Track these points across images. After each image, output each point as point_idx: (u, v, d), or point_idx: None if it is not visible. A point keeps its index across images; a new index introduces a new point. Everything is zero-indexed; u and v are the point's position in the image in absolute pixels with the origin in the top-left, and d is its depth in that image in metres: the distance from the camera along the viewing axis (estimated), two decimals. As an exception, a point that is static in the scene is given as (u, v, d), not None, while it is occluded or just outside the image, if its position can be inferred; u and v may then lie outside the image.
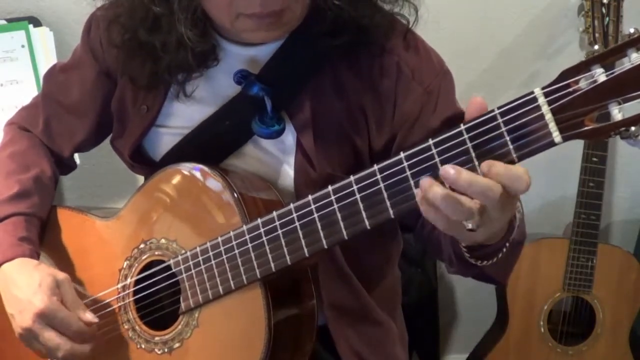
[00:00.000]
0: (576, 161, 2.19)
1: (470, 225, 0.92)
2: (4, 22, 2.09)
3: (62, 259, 1.38)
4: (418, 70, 1.22)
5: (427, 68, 1.24)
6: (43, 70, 1.95)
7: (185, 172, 1.25)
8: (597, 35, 2.04)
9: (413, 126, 1.21)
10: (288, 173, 1.24)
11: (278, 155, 1.25)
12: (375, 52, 1.22)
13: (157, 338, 1.25)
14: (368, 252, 1.32)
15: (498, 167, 0.89)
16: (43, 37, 2.09)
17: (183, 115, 1.29)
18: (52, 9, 2.17)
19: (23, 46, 2.07)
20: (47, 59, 2.07)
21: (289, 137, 1.23)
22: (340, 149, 1.22)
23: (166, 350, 1.24)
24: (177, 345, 1.22)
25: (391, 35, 1.22)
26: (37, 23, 2.10)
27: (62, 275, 1.26)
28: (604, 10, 2.02)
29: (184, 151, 1.28)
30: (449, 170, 0.89)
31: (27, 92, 2.00)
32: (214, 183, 1.20)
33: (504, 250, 1.05)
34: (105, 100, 1.38)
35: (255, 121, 1.21)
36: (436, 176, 0.92)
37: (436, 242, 1.19)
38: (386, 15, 1.21)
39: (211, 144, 1.27)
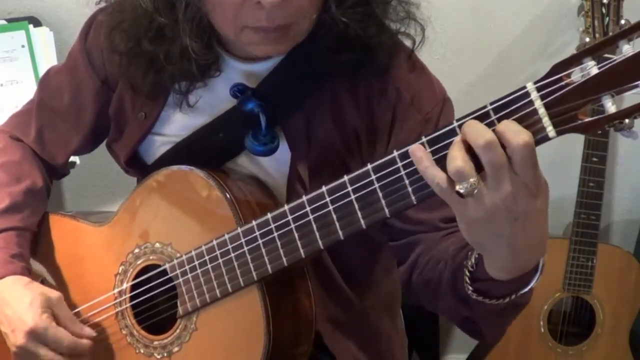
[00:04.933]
0: (576, 161, 2.19)
1: (461, 189, 0.84)
2: (4, 22, 2.08)
3: (56, 267, 1.38)
4: (418, 97, 1.20)
5: (427, 95, 1.21)
6: (43, 70, 1.95)
7: (178, 174, 1.24)
8: (597, 35, 2.03)
9: None
10: (280, 192, 1.24)
11: (272, 172, 1.25)
12: (376, 73, 1.19)
13: (156, 342, 1.25)
14: (363, 264, 1.31)
15: (507, 122, 0.85)
16: (43, 37, 2.09)
17: (180, 124, 1.29)
18: (52, 9, 2.16)
19: (23, 46, 2.07)
20: (47, 59, 2.07)
21: (284, 155, 1.22)
22: (333, 171, 1.19)
23: (165, 354, 1.24)
24: (176, 349, 1.22)
25: (394, 58, 1.20)
26: (37, 23, 2.10)
27: (54, 294, 1.26)
28: (604, 10, 2.01)
29: (177, 158, 1.27)
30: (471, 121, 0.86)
31: (27, 92, 1.99)
32: (207, 185, 1.19)
33: (507, 299, 0.99)
34: (101, 108, 1.36)
35: (248, 137, 1.20)
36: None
37: (437, 275, 1.11)
38: (392, 36, 1.19)
39: (204, 154, 1.26)
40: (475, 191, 0.84)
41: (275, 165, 1.24)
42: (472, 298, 1.01)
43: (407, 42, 1.22)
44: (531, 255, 0.94)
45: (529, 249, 0.92)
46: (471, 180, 0.84)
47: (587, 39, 1.99)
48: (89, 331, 1.26)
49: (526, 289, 0.99)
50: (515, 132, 0.83)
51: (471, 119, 0.88)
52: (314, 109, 1.21)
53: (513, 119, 0.86)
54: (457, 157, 0.84)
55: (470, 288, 1.01)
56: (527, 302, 1.04)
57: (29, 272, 1.31)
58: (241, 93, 1.20)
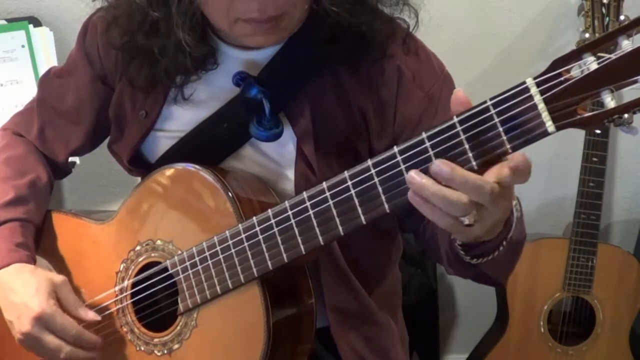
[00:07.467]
0: (576, 161, 2.19)
1: (467, 221, 0.91)
2: (4, 22, 2.09)
3: (58, 264, 1.37)
4: (418, 75, 1.23)
5: (427, 72, 1.24)
6: (43, 70, 1.95)
7: (180, 172, 1.24)
8: (597, 35, 2.03)
9: (414, 130, 1.20)
10: (288, 177, 1.24)
11: (278, 160, 1.25)
12: (375, 56, 1.21)
13: (156, 340, 1.25)
14: (368, 254, 1.32)
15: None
16: (43, 37, 2.09)
17: (182, 119, 1.29)
18: (52, 9, 2.17)
19: (23, 46, 2.07)
20: (47, 59, 2.07)
21: (289, 141, 1.23)
22: (340, 154, 1.22)
23: (166, 351, 1.24)
24: (176, 346, 1.22)
25: (391, 40, 1.22)
26: (37, 23, 2.10)
27: (59, 278, 1.26)
28: (604, 10, 2.01)
29: (181, 153, 1.28)
30: (442, 167, 0.89)
31: (27, 92, 2.00)
32: (208, 183, 1.20)
33: (501, 248, 1.04)
34: (101, 107, 1.38)
35: (253, 124, 1.21)
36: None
37: (435, 244, 1.19)
38: (386, 21, 1.21)
39: (209, 146, 1.27)
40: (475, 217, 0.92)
41: (281, 152, 1.24)
42: (474, 262, 1.07)
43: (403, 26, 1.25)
44: (506, 213, 0.99)
45: (504, 212, 0.97)
46: (473, 212, 0.91)
47: (587, 34, 1.99)
48: (93, 315, 1.26)
49: (512, 230, 1.04)
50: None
51: (470, 114, 0.90)
52: (316, 93, 1.22)
53: (512, 114, 0.88)
54: (456, 198, 0.90)
55: (468, 257, 1.06)
56: (523, 237, 1.11)
57: (34, 261, 1.31)
58: (243, 81, 1.21)
